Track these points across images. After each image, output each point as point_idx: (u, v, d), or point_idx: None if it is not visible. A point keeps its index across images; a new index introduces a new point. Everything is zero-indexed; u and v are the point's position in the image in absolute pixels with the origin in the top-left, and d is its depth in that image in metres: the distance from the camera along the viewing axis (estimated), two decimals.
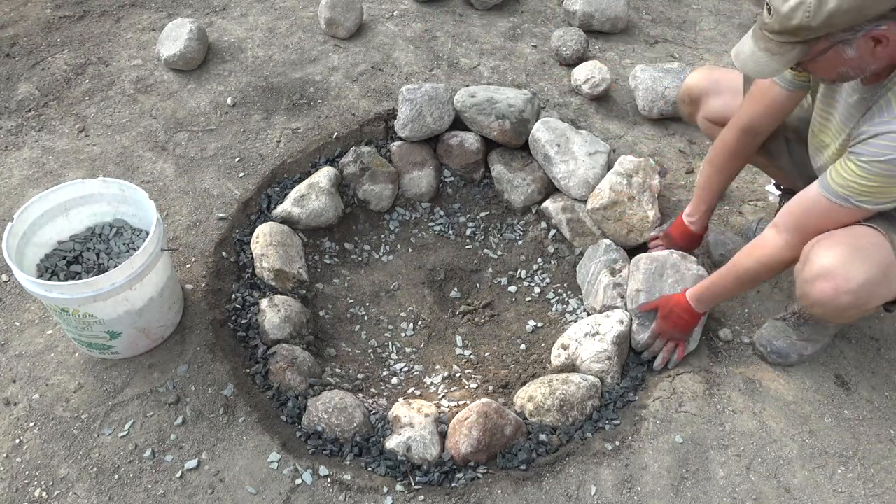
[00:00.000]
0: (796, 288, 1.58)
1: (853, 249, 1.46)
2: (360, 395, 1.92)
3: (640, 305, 1.92)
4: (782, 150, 1.92)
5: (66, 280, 1.83)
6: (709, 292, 1.79)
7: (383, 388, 2.00)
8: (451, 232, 2.47)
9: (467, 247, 2.44)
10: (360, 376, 2.02)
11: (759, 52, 1.35)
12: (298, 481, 1.64)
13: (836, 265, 1.45)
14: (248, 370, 1.88)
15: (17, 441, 1.69)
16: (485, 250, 2.43)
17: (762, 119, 1.75)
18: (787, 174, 1.97)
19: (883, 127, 1.33)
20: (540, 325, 2.19)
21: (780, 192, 2.27)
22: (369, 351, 2.14)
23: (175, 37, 2.67)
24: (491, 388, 1.99)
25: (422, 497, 1.63)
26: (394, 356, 2.14)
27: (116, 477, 1.63)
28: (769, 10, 1.30)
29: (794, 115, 1.80)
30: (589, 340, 1.90)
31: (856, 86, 1.47)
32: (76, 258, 1.89)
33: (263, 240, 2.11)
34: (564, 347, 1.94)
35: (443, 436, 1.75)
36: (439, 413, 1.81)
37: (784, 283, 2.08)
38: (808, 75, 1.61)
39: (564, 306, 2.22)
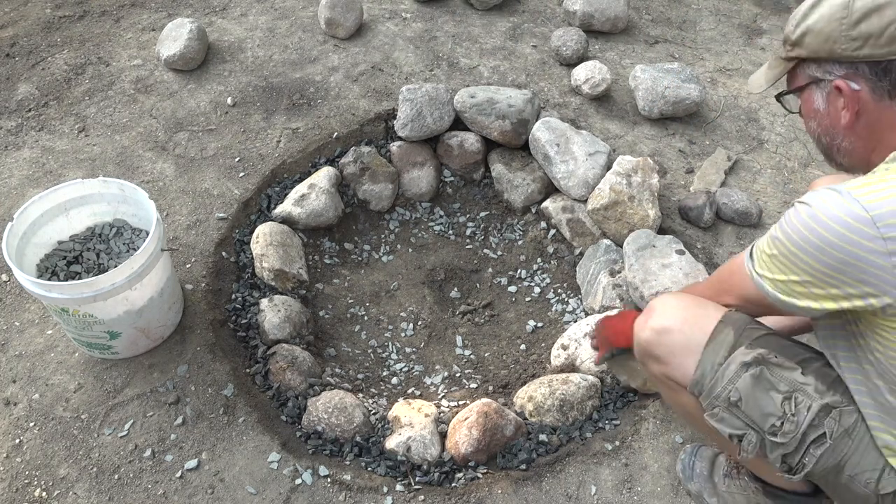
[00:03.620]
0: None
1: (693, 304, 1.34)
2: (360, 395, 1.91)
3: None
4: None
5: (66, 280, 1.83)
6: None
7: (383, 388, 2.00)
8: (451, 232, 2.47)
9: (467, 247, 2.44)
10: (360, 376, 2.02)
11: (765, 66, 1.34)
12: (298, 481, 1.64)
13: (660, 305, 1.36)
14: (248, 370, 1.88)
15: (17, 441, 1.69)
16: (485, 250, 2.43)
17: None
18: None
19: None
20: (540, 325, 2.19)
21: None
22: (369, 351, 2.14)
23: (175, 37, 2.67)
24: (491, 388, 1.99)
25: (422, 497, 1.63)
26: (394, 356, 2.13)
27: (116, 477, 1.63)
28: None
29: None
30: (589, 340, 1.89)
31: None
32: (76, 258, 1.89)
33: (263, 240, 2.11)
34: (564, 347, 1.94)
35: (443, 436, 1.75)
36: (439, 413, 1.81)
37: None
38: None
39: (564, 306, 2.22)
